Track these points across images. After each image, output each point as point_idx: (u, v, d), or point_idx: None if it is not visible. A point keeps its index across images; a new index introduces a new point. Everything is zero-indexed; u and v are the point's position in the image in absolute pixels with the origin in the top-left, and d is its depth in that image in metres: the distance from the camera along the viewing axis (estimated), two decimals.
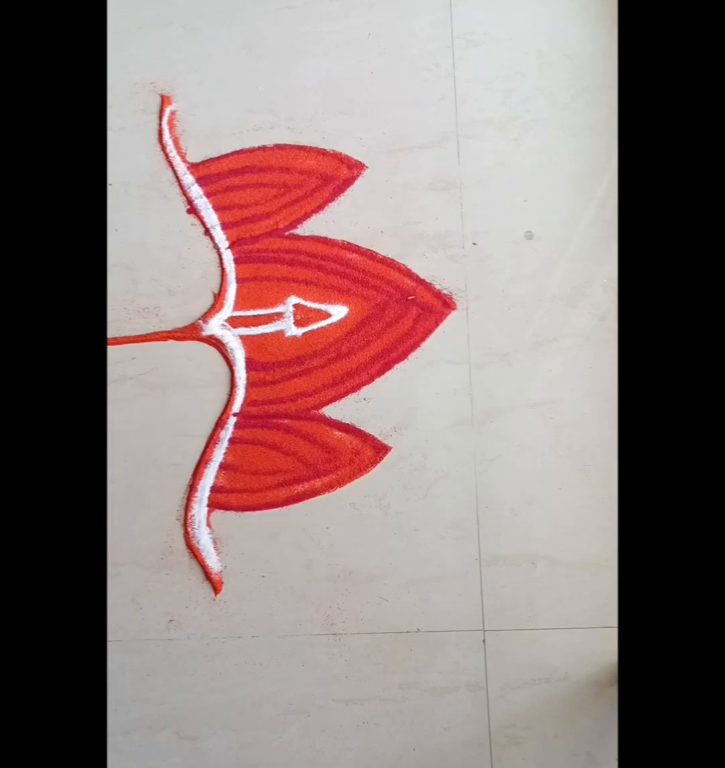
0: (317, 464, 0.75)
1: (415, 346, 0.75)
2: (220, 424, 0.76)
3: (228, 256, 0.76)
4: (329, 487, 0.75)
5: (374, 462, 0.75)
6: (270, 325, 0.76)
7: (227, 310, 0.76)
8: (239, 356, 0.76)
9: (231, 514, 0.75)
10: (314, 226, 0.76)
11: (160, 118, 0.78)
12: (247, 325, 0.76)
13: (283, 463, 0.75)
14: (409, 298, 0.75)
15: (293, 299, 0.76)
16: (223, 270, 0.77)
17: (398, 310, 0.75)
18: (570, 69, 0.75)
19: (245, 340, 0.76)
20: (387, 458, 0.75)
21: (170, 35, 0.78)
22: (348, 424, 0.75)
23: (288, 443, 0.75)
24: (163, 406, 0.77)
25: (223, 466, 0.76)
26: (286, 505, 0.75)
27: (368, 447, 0.75)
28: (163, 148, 0.77)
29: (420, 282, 0.75)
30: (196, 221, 0.77)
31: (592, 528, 0.73)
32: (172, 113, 0.77)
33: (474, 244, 0.74)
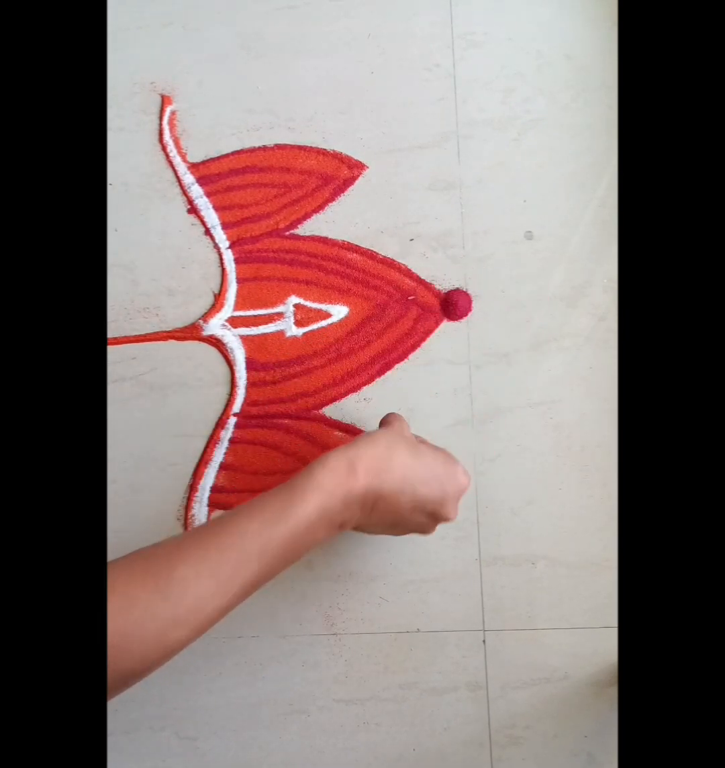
0: None
1: (415, 346, 0.75)
2: (220, 424, 0.76)
3: (228, 256, 0.77)
4: None
5: None
6: (270, 325, 0.76)
7: (227, 310, 0.76)
8: (239, 356, 0.76)
9: None
10: (314, 226, 0.76)
11: (161, 118, 0.78)
12: (247, 325, 0.76)
13: (283, 464, 0.75)
14: (409, 298, 0.75)
15: (293, 299, 0.76)
16: (223, 270, 0.77)
17: (398, 310, 0.75)
18: (570, 69, 0.75)
19: (245, 340, 0.76)
20: None
21: (170, 35, 0.78)
22: (348, 424, 0.75)
23: (288, 443, 0.75)
24: (163, 406, 0.77)
25: (223, 467, 0.76)
26: None
27: None
28: (164, 148, 0.77)
29: (421, 282, 0.75)
30: (196, 221, 0.77)
31: (592, 528, 0.74)
32: (173, 113, 0.78)
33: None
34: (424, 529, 0.60)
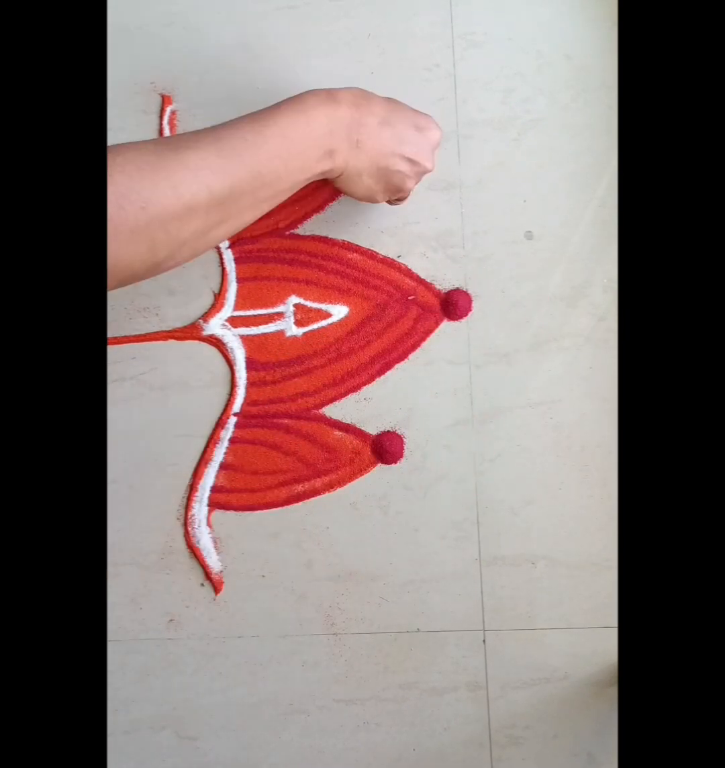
0: (317, 464, 0.75)
1: (415, 346, 0.75)
2: (220, 423, 0.76)
3: (228, 256, 0.77)
4: (329, 486, 0.75)
5: (374, 462, 0.75)
6: (270, 324, 0.76)
7: (227, 310, 0.76)
8: (239, 356, 0.76)
9: (231, 513, 0.76)
10: (315, 225, 0.76)
11: (161, 117, 0.78)
12: (247, 325, 0.76)
13: (283, 463, 0.76)
14: (409, 297, 0.75)
15: (293, 299, 0.76)
16: (223, 269, 0.77)
17: (398, 310, 0.75)
18: (570, 69, 0.75)
19: (245, 339, 0.76)
20: None
21: (170, 35, 0.78)
22: (348, 424, 0.75)
23: (288, 443, 0.76)
24: (163, 405, 0.77)
25: (223, 466, 0.76)
26: (287, 504, 0.75)
27: (368, 447, 0.75)
28: None
29: (421, 282, 0.75)
30: None
31: (592, 528, 0.74)
32: (173, 113, 0.78)
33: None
34: (405, 183, 0.63)
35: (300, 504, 0.75)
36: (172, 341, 0.77)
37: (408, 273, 0.76)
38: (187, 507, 0.76)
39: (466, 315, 0.75)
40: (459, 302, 0.75)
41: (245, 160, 0.51)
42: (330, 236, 0.76)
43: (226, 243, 0.77)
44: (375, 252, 0.76)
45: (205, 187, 0.50)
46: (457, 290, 0.75)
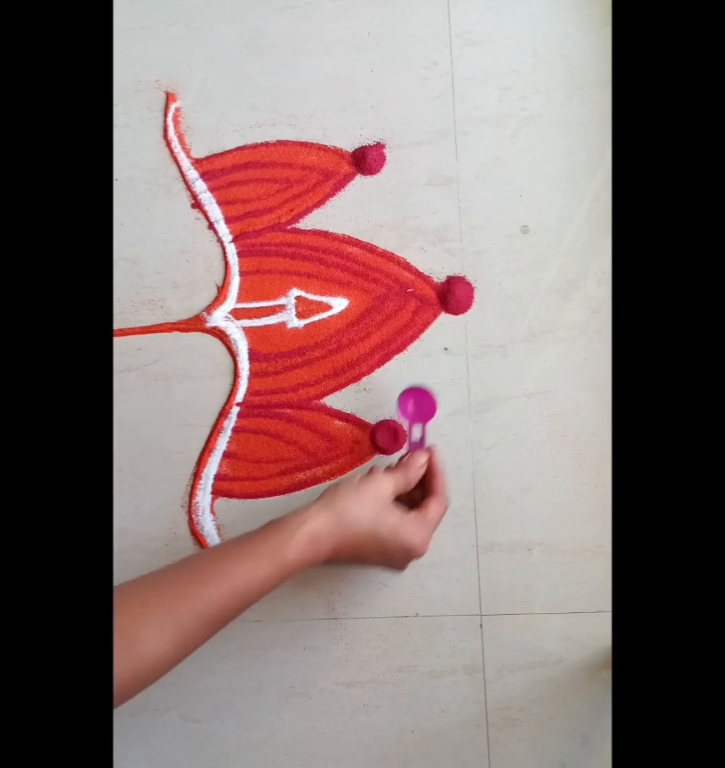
0: (318, 453, 0.77)
1: (414, 337, 0.76)
2: (223, 413, 0.77)
3: (231, 250, 0.78)
4: (330, 475, 0.77)
5: (374, 451, 0.76)
6: (272, 316, 0.78)
7: (230, 303, 0.78)
8: (242, 347, 0.77)
9: (234, 501, 0.77)
10: (315, 220, 0.78)
11: (165, 114, 0.79)
12: (249, 317, 0.78)
13: (285, 452, 0.77)
14: (408, 290, 0.76)
15: (295, 291, 0.77)
16: (226, 263, 0.78)
17: (397, 303, 0.77)
18: (565, 67, 0.76)
19: (248, 331, 0.78)
20: None
21: (175, 34, 0.79)
22: (348, 414, 0.77)
23: (290, 432, 0.77)
24: (167, 396, 0.78)
25: (226, 455, 0.77)
26: (288, 492, 0.77)
27: (368, 436, 0.76)
28: (168, 144, 0.79)
29: (419, 275, 0.77)
30: (200, 215, 0.78)
31: (586, 515, 0.75)
32: (177, 110, 0.79)
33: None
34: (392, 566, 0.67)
35: (301, 492, 0.77)
36: (176, 333, 0.78)
37: (407, 266, 0.77)
38: (191, 495, 0.77)
39: (465, 306, 0.76)
40: (457, 293, 0.76)
41: (207, 638, 0.56)
42: (330, 231, 0.78)
43: (230, 237, 0.78)
44: (374, 246, 0.77)
45: (163, 674, 0.54)
46: (456, 280, 0.76)
